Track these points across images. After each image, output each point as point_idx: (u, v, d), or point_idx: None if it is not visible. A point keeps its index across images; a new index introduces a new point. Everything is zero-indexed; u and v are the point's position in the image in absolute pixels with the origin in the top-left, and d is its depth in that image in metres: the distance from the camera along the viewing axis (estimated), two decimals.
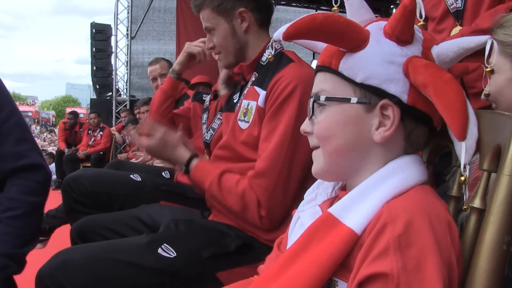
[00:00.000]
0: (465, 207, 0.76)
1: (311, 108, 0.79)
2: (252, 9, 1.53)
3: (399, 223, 0.61)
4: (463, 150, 0.70)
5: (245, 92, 1.53)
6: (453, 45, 0.78)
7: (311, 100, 0.79)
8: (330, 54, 0.77)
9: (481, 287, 0.66)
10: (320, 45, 0.86)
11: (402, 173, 0.71)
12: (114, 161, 2.55)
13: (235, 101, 1.63)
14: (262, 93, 1.39)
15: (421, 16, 0.75)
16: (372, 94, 0.73)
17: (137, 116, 6.53)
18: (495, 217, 0.67)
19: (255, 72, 1.52)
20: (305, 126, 0.82)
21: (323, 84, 0.78)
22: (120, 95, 9.26)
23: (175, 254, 1.22)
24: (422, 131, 0.77)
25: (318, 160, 0.80)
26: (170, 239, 1.27)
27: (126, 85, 9.21)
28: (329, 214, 0.71)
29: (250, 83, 1.51)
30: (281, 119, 1.32)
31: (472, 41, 0.77)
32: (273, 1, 9.08)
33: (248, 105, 1.44)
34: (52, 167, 8.81)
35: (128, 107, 8.81)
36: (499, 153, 0.71)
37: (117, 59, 9.05)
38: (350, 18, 0.79)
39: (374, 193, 0.69)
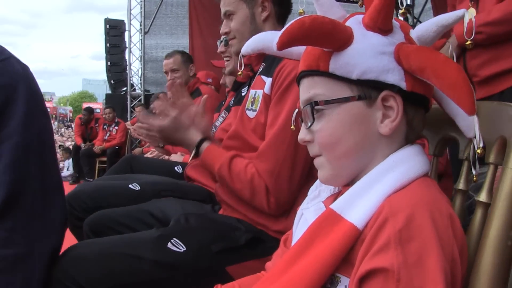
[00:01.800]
0: (475, 179, 0.75)
1: (311, 115, 0.76)
2: (274, 1, 1.57)
3: (400, 217, 0.61)
4: (476, 124, 0.71)
5: (252, 83, 1.53)
6: (432, 24, 0.78)
7: (308, 107, 0.77)
8: (314, 57, 0.76)
9: (485, 282, 0.65)
10: (296, 52, 0.85)
11: (403, 165, 0.70)
12: (127, 156, 2.56)
13: (243, 94, 1.64)
14: (268, 80, 1.40)
15: (402, 4, 0.75)
16: (370, 88, 0.72)
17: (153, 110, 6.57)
18: (500, 212, 0.67)
19: (263, 63, 1.53)
20: (304, 135, 0.80)
21: (314, 89, 0.76)
22: (134, 89, 9.30)
23: (185, 249, 1.23)
24: (421, 114, 0.77)
25: (324, 167, 0.78)
26: (179, 234, 1.28)
27: (141, 79, 9.25)
28: (331, 211, 0.71)
29: (257, 73, 1.51)
30: (285, 103, 1.32)
31: (450, 17, 0.77)
32: None
33: (255, 94, 1.45)
34: (69, 162, 8.94)
35: (142, 101, 8.86)
36: (505, 145, 0.70)
37: (131, 54, 9.08)
38: None
39: (375, 187, 0.69)
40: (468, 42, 0.80)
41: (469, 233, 0.73)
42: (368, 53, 0.72)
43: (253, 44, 0.97)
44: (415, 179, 0.69)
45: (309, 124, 0.77)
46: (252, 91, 1.47)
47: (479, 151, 0.70)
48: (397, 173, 0.69)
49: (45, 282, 1.09)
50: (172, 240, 1.23)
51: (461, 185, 0.80)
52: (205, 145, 1.46)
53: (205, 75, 4.04)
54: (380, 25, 0.73)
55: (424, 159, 0.73)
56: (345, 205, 0.70)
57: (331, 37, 0.71)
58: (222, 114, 1.97)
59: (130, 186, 1.80)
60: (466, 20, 0.74)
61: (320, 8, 0.84)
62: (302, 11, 0.83)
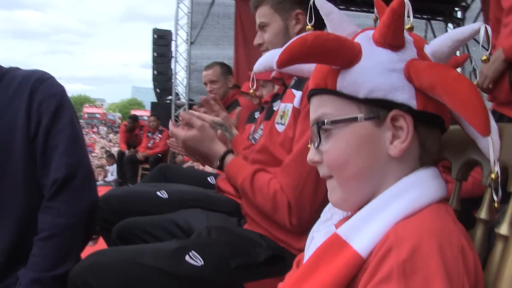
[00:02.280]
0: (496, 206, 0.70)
1: (317, 135, 0.74)
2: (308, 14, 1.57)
3: (404, 247, 0.57)
4: (491, 145, 0.66)
5: (283, 97, 1.52)
6: (447, 39, 0.74)
7: (315, 126, 0.74)
8: (323, 75, 0.73)
9: None
10: (307, 69, 0.82)
11: (415, 190, 0.66)
12: (162, 165, 2.59)
13: (274, 108, 1.63)
14: (298, 94, 1.38)
15: (409, 19, 0.70)
16: (379, 108, 0.69)
17: None
18: None
19: (295, 77, 1.51)
20: (312, 155, 0.77)
21: (322, 108, 0.73)
22: (179, 98, 9.46)
23: (202, 262, 1.21)
24: (435, 135, 0.72)
25: (335, 190, 0.75)
26: (199, 247, 1.27)
27: (186, 89, 9.40)
28: (337, 236, 0.67)
29: (288, 87, 1.50)
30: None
31: (466, 31, 0.73)
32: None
33: (285, 108, 1.43)
34: (114, 167, 9.17)
35: (186, 110, 9.00)
36: None
37: (177, 63, 9.26)
38: None
39: (383, 213, 0.65)
40: None
41: (488, 268, 0.68)
42: (376, 71, 0.68)
43: (264, 62, 0.96)
44: (427, 206, 0.65)
45: (316, 144, 0.74)
46: (282, 105, 1.46)
47: (493, 176, 0.65)
48: (407, 199, 0.65)
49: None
50: (190, 253, 1.23)
51: (483, 214, 0.74)
52: (229, 158, 1.45)
53: (248, 86, 4.06)
54: (390, 40, 0.69)
55: (439, 184, 0.69)
56: (351, 231, 0.67)
57: (336, 54, 0.68)
58: (261, 127, 1.96)
59: (158, 193, 1.82)
60: (482, 34, 0.70)
61: (330, 24, 0.81)
62: (310, 27, 0.80)
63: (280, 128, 1.43)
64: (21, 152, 1.27)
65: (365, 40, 0.72)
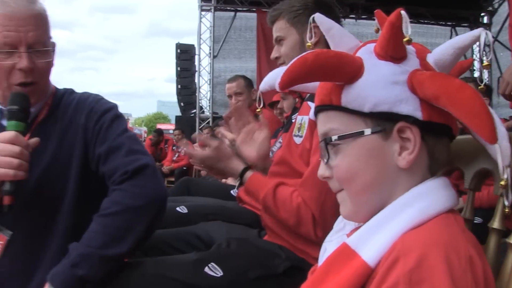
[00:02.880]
0: (506, 210, 0.70)
1: (325, 151, 0.75)
2: None
3: (411, 257, 0.57)
4: (498, 152, 0.66)
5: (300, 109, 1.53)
6: (448, 47, 0.74)
7: (323, 143, 0.75)
8: (327, 91, 0.74)
9: None
10: (312, 86, 0.83)
11: (423, 200, 0.66)
12: (184, 179, 2.62)
13: (293, 120, 1.64)
14: (313, 105, 1.38)
15: (407, 31, 0.70)
16: (384, 121, 0.69)
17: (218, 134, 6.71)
18: None
19: None
20: (323, 171, 0.78)
21: (329, 123, 0.75)
22: (203, 112, 9.56)
23: (221, 273, 1.23)
24: (444, 143, 0.72)
25: (345, 202, 0.76)
26: (218, 258, 1.28)
27: (209, 102, 9.49)
28: (346, 245, 0.68)
29: (305, 99, 1.51)
30: None
31: (466, 38, 0.73)
32: (355, 16, 8.98)
33: (302, 120, 1.44)
34: None
35: (210, 123, 9.07)
36: None
37: (200, 77, 9.37)
38: (336, 49, 0.76)
39: (391, 223, 0.65)
40: None
41: (500, 278, 0.67)
42: (380, 84, 0.69)
43: (269, 81, 0.97)
44: (435, 216, 0.65)
45: (325, 159, 0.75)
46: (299, 117, 1.48)
47: (502, 182, 0.65)
48: (415, 209, 0.65)
49: (139, 242, 1.26)
50: (209, 265, 1.24)
51: (495, 223, 0.74)
52: (249, 174, 1.47)
53: (276, 97, 4.09)
54: (391, 53, 0.70)
55: (448, 194, 0.69)
56: (359, 241, 0.67)
57: (338, 71, 0.69)
58: (280, 140, 1.98)
59: (178, 209, 1.84)
60: (482, 40, 0.70)
61: (331, 40, 0.82)
62: (310, 44, 0.81)
63: (298, 140, 1.44)
64: (77, 174, 1.33)
65: (366, 54, 0.73)
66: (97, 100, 1.43)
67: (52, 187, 1.32)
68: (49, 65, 1.34)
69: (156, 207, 1.27)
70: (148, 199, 1.25)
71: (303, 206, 1.31)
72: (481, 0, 8.89)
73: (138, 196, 1.24)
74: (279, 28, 1.65)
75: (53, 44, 1.35)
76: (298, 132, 1.44)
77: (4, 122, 1.33)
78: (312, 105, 1.40)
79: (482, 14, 9.39)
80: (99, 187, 1.40)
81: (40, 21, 1.28)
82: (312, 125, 1.38)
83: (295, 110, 1.91)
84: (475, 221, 0.79)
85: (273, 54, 1.70)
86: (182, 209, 1.85)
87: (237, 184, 1.50)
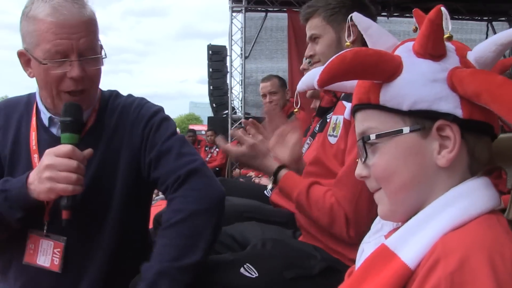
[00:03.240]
0: None
1: (363, 150, 0.74)
2: None
3: (452, 259, 0.56)
4: None
5: (335, 108, 1.53)
6: (490, 44, 0.71)
7: (360, 141, 0.74)
8: (365, 90, 0.73)
9: None
10: (349, 85, 0.82)
11: (464, 200, 0.65)
12: (218, 179, 2.64)
13: (328, 120, 1.63)
14: (348, 105, 1.38)
15: (447, 28, 0.69)
16: (423, 119, 0.69)
17: None
18: None
19: None
20: (360, 170, 0.77)
21: (367, 122, 0.74)
22: (235, 112, 9.58)
23: (257, 274, 1.23)
24: (485, 142, 0.71)
25: (383, 201, 0.75)
26: (253, 259, 1.29)
27: (241, 103, 9.52)
28: (384, 247, 0.67)
29: (340, 99, 1.50)
30: None
31: (510, 34, 0.69)
32: (386, 14, 8.84)
33: (336, 120, 1.44)
34: None
35: (243, 124, 9.10)
36: None
37: (232, 78, 9.40)
38: (374, 48, 0.75)
39: (431, 224, 0.64)
40: None
41: None
42: (419, 82, 0.68)
43: (307, 81, 0.97)
44: (476, 216, 0.63)
45: (363, 159, 0.74)
46: (334, 117, 1.47)
47: None
48: (456, 209, 0.64)
49: (211, 245, 1.24)
50: (245, 265, 1.25)
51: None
52: (283, 172, 1.47)
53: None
54: (431, 51, 0.69)
55: (490, 194, 0.67)
56: (398, 242, 0.66)
57: (376, 69, 0.68)
58: (308, 141, 1.97)
59: None
60: None
61: (369, 39, 0.82)
62: (349, 44, 0.81)
63: (332, 140, 1.43)
64: (123, 181, 1.33)
65: (405, 52, 0.72)
66: (142, 104, 1.41)
67: (99, 194, 1.32)
68: (99, 71, 1.32)
69: (218, 206, 1.26)
70: (208, 200, 1.24)
71: (336, 206, 1.30)
72: None
73: (198, 199, 1.23)
74: (314, 26, 1.64)
75: (101, 47, 1.32)
76: (333, 132, 1.44)
77: (54, 130, 1.34)
78: (347, 105, 1.40)
79: None
80: (147, 193, 1.44)
81: (90, 27, 1.27)
82: (347, 124, 1.37)
83: (319, 110, 1.90)
84: None
85: (308, 52, 1.68)
86: None
87: (271, 182, 1.50)
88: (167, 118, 1.42)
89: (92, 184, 1.29)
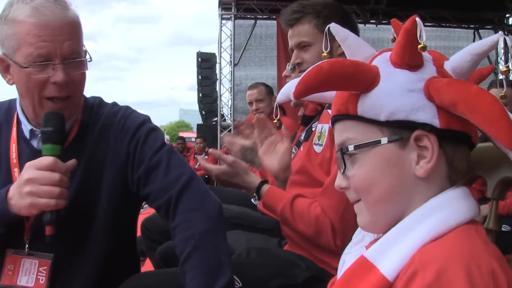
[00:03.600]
0: None
1: (341, 161, 0.74)
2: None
3: (430, 271, 0.56)
4: None
5: (320, 117, 1.52)
6: (466, 54, 0.72)
7: (339, 152, 0.74)
8: (343, 101, 0.73)
9: None
10: (329, 96, 0.82)
11: (442, 211, 0.65)
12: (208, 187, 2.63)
13: (313, 129, 1.63)
14: None
15: (421, 38, 0.68)
16: (401, 129, 0.68)
17: None
18: None
19: None
20: (340, 181, 0.77)
21: (345, 133, 0.74)
22: (225, 120, 9.59)
23: (241, 285, 1.22)
24: (463, 152, 0.71)
25: (363, 213, 0.75)
26: (238, 269, 1.27)
27: (230, 110, 9.52)
28: (364, 258, 0.67)
29: (325, 107, 1.49)
30: None
31: (485, 43, 0.70)
32: (375, 22, 8.91)
33: (322, 129, 1.43)
34: None
35: (232, 131, 9.10)
36: None
37: (222, 85, 9.41)
38: (352, 59, 0.75)
39: (409, 235, 0.64)
40: None
41: None
42: (396, 92, 0.68)
43: (286, 92, 0.96)
44: (455, 227, 0.63)
45: (342, 170, 0.74)
46: (319, 126, 1.46)
47: None
48: (434, 220, 0.64)
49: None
50: None
51: (491, 224, 0.72)
52: (265, 187, 1.46)
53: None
54: (408, 61, 0.69)
55: (469, 204, 0.67)
56: (377, 253, 0.66)
57: (353, 80, 0.68)
58: (293, 150, 1.97)
59: None
60: (501, 45, 0.68)
61: (347, 50, 0.81)
62: (325, 54, 0.81)
63: (318, 149, 1.43)
64: (108, 195, 1.27)
65: (382, 63, 0.72)
66: (126, 115, 1.33)
67: (84, 207, 1.26)
68: (84, 76, 1.25)
69: (220, 219, 1.21)
70: (209, 218, 1.19)
71: (321, 216, 1.29)
72: (506, 1, 8.69)
73: (200, 221, 1.17)
74: (304, 33, 1.55)
75: (85, 52, 1.24)
76: (318, 140, 1.43)
77: (35, 143, 1.27)
78: (331, 112, 1.39)
79: (508, 15, 9.19)
80: (135, 205, 1.39)
81: (75, 29, 1.19)
82: (333, 133, 1.36)
83: (303, 119, 1.90)
84: (503, 229, 0.76)
85: (294, 60, 1.59)
86: None
87: (253, 197, 1.50)
88: (154, 128, 1.34)
89: (76, 198, 1.23)
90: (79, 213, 1.24)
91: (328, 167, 1.37)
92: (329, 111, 1.42)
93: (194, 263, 1.13)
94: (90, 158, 1.27)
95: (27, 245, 1.23)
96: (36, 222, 1.21)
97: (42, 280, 1.23)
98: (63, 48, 1.15)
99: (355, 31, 1.55)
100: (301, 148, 1.75)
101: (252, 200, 2.35)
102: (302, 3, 1.57)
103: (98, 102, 1.37)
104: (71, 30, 1.18)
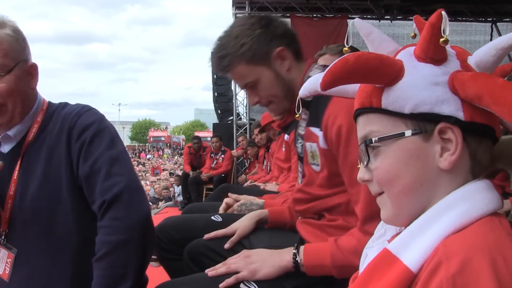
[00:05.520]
0: None
1: (365, 153, 0.75)
2: (287, 43, 1.45)
3: (454, 261, 0.57)
4: None
5: (301, 132, 1.48)
6: (491, 48, 0.72)
7: (363, 145, 0.75)
8: (367, 94, 0.74)
9: None
10: (351, 90, 0.83)
11: (465, 203, 0.66)
12: (223, 185, 2.66)
13: (298, 150, 1.58)
14: (320, 134, 1.31)
15: (444, 32, 0.68)
16: (425, 122, 0.69)
17: (254, 139, 6.77)
18: None
19: (307, 111, 1.42)
20: (362, 174, 0.78)
21: (369, 126, 0.75)
22: (240, 118, 9.61)
23: (256, 287, 1.24)
24: (486, 145, 0.71)
25: (386, 205, 0.76)
26: None
27: (246, 109, 9.53)
28: (387, 251, 0.68)
29: (304, 122, 1.45)
30: (353, 160, 1.23)
31: (510, 37, 0.70)
32: (390, 17, 8.83)
33: (311, 148, 1.38)
34: (180, 188, 9.40)
35: (248, 130, 9.12)
36: None
37: (236, 84, 9.40)
38: None
39: (432, 227, 0.65)
40: None
41: None
42: (420, 85, 0.69)
43: (309, 86, 0.98)
44: (478, 219, 0.64)
45: (365, 162, 0.75)
46: (307, 145, 1.41)
47: None
48: (457, 212, 0.65)
49: (141, 267, 1.32)
50: (245, 281, 1.26)
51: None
52: (301, 251, 1.30)
53: (268, 119, 4.11)
54: (432, 55, 0.70)
55: (491, 196, 0.67)
56: (401, 246, 0.67)
57: (378, 73, 0.69)
58: (298, 168, 1.96)
59: (213, 218, 1.85)
60: None
61: (371, 44, 0.83)
62: (347, 49, 0.82)
63: (316, 168, 1.40)
64: (69, 186, 1.36)
65: (406, 57, 0.73)
66: (80, 114, 1.40)
67: (46, 206, 1.36)
68: (11, 86, 1.32)
69: (140, 234, 1.29)
70: (129, 230, 1.28)
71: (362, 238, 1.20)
72: None
73: (121, 229, 1.28)
74: (243, 75, 1.44)
75: (14, 65, 1.33)
76: (313, 160, 1.40)
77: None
78: (316, 131, 1.34)
79: None
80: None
81: None
82: (326, 153, 1.32)
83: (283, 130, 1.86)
84: None
85: (253, 100, 1.50)
86: (217, 218, 1.85)
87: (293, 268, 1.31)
88: (102, 130, 1.39)
89: (38, 197, 1.35)
90: (43, 211, 1.36)
91: (326, 183, 1.36)
92: (313, 129, 1.36)
93: (103, 266, 1.27)
94: (49, 157, 1.38)
95: (3, 237, 1.39)
96: (11, 216, 1.37)
97: (7, 270, 1.38)
98: None
99: (293, 34, 1.50)
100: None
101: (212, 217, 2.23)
102: (222, 44, 1.46)
103: (62, 105, 1.49)
104: None
